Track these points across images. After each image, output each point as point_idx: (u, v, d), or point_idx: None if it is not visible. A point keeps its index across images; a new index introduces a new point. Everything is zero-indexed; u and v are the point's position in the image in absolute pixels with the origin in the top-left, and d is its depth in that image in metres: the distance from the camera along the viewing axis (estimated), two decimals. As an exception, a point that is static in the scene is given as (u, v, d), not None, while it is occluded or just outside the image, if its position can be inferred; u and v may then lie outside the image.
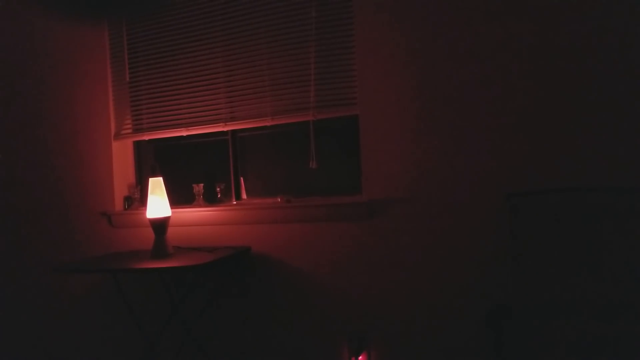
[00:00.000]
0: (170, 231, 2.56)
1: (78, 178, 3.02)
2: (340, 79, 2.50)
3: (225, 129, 2.75)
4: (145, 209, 2.55)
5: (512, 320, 1.96)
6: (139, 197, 2.95)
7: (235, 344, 2.69)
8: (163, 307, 2.74)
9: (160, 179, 2.54)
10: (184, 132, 2.82)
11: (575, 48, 2.10)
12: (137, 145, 3.09)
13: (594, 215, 1.97)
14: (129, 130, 2.97)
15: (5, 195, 3.23)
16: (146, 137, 2.94)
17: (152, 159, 3.08)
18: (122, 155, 3.01)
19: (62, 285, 3.06)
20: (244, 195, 2.86)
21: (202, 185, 2.82)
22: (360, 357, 2.43)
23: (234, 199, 2.83)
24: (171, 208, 2.56)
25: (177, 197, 2.86)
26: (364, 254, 2.43)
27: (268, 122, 2.64)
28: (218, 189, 2.81)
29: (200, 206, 2.78)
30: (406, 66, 2.36)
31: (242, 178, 2.86)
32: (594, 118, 2.08)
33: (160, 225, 2.49)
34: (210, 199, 2.83)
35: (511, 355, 1.90)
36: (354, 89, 2.47)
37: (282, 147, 2.82)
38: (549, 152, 2.14)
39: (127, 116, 2.97)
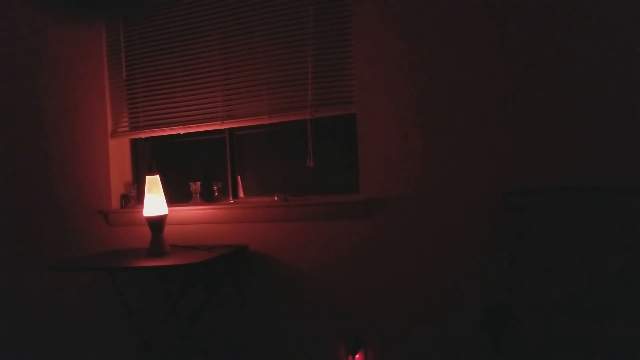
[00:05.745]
0: (167, 229, 2.56)
1: (75, 176, 3.01)
2: (337, 77, 2.49)
3: (222, 127, 2.74)
4: (142, 207, 2.54)
5: (510, 319, 1.96)
6: (136, 195, 2.94)
7: (232, 342, 2.68)
8: (160, 305, 2.74)
9: (157, 177, 2.54)
10: (181, 130, 2.81)
11: (574, 47, 2.10)
12: (134, 143, 3.07)
13: (591, 214, 1.97)
14: (126, 128, 2.95)
15: (2, 194, 3.22)
16: (143, 135, 2.93)
17: (149, 157, 3.07)
18: (118, 153, 3.00)
19: (59, 284, 3.05)
20: (241, 194, 2.85)
21: (199, 183, 2.81)
22: (357, 356, 2.42)
23: (231, 198, 2.83)
24: (168, 206, 2.56)
25: (174, 196, 2.84)
26: (361, 252, 2.43)
27: (265, 121, 2.63)
28: (215, 187, 2.80)
29: (197, 204, 2.77)
30: (403, 65, 2.35)
31: (239, 176, 2.86)
32: (592, 117, 2.08)
33: (157, 223, 2.48)
34: (207, 198, 2.82)
35: (509, 355, 1.90)
36: (351, 88, 2.46)
37: (279, 145, 2.82)
38: (547, 151, 2.14)
39: (124, 114, 2.95)
